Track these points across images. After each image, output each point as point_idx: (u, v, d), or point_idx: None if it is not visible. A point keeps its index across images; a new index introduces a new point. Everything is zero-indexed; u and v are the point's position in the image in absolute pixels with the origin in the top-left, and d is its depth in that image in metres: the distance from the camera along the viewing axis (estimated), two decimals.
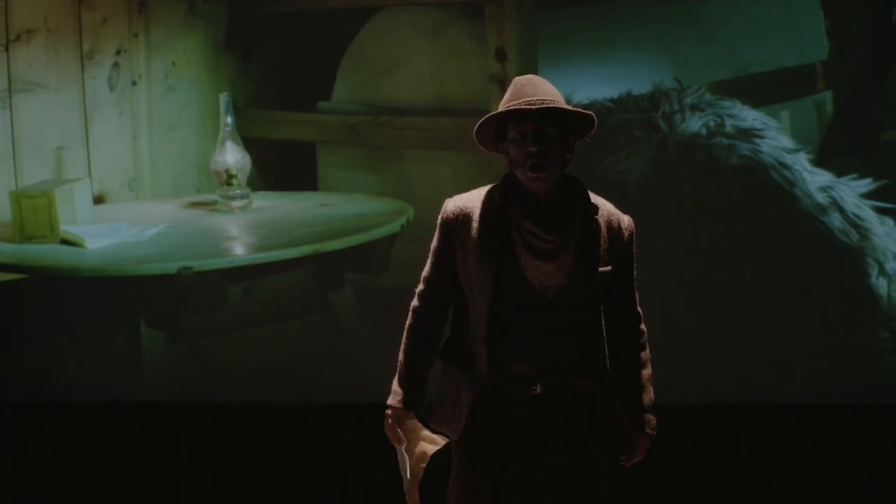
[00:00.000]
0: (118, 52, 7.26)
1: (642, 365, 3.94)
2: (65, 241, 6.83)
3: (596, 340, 3.78)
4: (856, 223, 6.53)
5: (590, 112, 3.79)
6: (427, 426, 3.92)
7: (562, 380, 3.78)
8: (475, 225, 3.78)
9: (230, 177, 7.04)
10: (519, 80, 3.78)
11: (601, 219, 3.80)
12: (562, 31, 6.86)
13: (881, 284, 6.50)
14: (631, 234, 3.86)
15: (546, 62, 6.78)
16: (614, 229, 3.82)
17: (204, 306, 6.80)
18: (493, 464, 3.82)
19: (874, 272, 6.51)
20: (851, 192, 6.57)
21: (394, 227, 6.75)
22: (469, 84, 6.86)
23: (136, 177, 7.34)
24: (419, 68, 7.06)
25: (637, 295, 3.95)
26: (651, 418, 3.91)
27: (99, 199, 7.27)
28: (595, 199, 3.83)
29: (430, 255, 3.88)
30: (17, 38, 7.09)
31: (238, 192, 7.07)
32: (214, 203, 7.15)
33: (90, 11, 7.20)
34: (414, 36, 7.12)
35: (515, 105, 3.70)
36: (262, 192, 7.27)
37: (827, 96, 6.86)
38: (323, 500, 6.23)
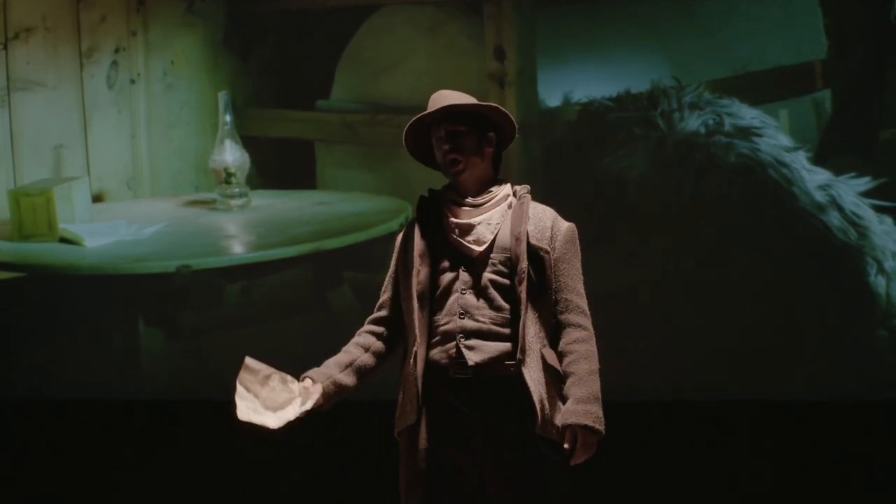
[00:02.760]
0: (117, 51, 7.26)
1: (580, 358, 3.92)
2: (63, 240, 6.83)
3: (508, 300, 3.88)
4: (854, 221, 6.52)
5: (490, 104, 4.00)
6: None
7: (491, 358, 3.87)
8: (413, 235, 4.01)
9: (229, 175, 7.04)
10: (432, 97, 4.03)
11: (530, 209, 3.98)
12: (560, 30, 6.87)
13: (880, 283, 6.50)
14: (570, 236, 4.01)
15: (544, 61, 6.79)
16: (548, 222, 3.99)
17: (202, 305, 6.80)
18: (431, 444, 3.91)
19: (873, 270, 6.50)
20: (850, 191, 6.57)
21: (392, 225, 6.75)
22: (467, 82, 6.84)
23: (134, 175, 7.34)
24: (417, 67, 7.06)
25: (582, 291, 4.00)
26: (590, 410, 3.85)
27: (97, 198, 7.27)
28: (537, 204, 4.03)
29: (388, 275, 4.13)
30: (16, 37, 7.09)
31: (237, 190, 7.07)
32: (213, 201, 7.15)
33: (89, 10, 7.20)
34: (412, 34, 7.12)
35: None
36: (260, 191, 7.27)
37: (825, 95, 6.86)
38: (322, 498, 6.23)
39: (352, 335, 4.16)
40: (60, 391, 6.94)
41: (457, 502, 3.94)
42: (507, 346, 3.88)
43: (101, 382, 6.91)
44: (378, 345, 4.07)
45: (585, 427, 3.84)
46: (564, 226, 4.00)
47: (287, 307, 6.91)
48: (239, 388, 3.89)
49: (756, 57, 6.81)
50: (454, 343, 3.89)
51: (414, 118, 3.99)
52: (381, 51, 7.17)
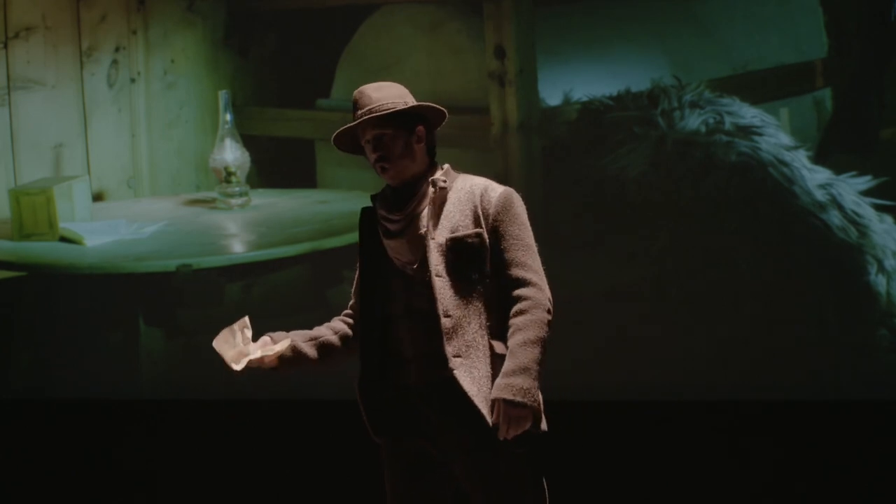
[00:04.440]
0: (117, 50, 7.27)
1: (516, 331, 3.78)
2: (63, 239, 6.83)
3: (435, 320, 3.80)
4: (855, 220, 6.52)
5: (408, 105, 3.86)
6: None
7: (435, 363, 3.83)
8: (361, 247, 3.96)
9: (229, 174, 7.04)
10: (354, 95, 3.92)
11: (455, 192, 3.88)
12: (560, 29, 6.86)
13: (880, 282, 6.49)
14: (502, 204, 3.85)
15: (544, 59, 6.78)
16: (476, 199, 3.86)
17: (202, 303, 6.79)
18: (399, 452, 3.91)
19: (873, 269, 6.50)
20: (850, 190, 6.56)
21: None
22: (467, 81, 6.86)
23: (134, 174, 7.34)
24: (417, 65, 7.06)
25: (526, 261, 3.84)
26: (512, 383, 3.72)
27: (97, 197, 7.27)
28: (463, 177, 3.93)
29: None
30: (16, 36, 7.10)
31: (237, 189, 7.07)
32: (213, 200, 7.15)
33: (89, 9, 7.21)
34: (412, 33, 7.12)
35: (352, 121, 3.87)
36: (260, 190, 7.27)
37: (826, 93, 6.86)
38: (320, 496, 6.23)
39: None
40: (60, 390, 6.95)
41: (438, 496, 3.94)
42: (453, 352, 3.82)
43: (101, 382, 6.91)
44: (347, 331, 4.00)
45: (505, 401, 3.72)
46: (496, 194, 3.86)
47: (287, 306, 6.90)
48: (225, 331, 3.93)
49: (756, 55, 6.81)
50: (404, 365, 3.85)
51: (338, 131, 3.88)
52: (381, 49, 7.17)
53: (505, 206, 3.84)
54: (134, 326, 6.90)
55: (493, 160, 6.65)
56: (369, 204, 3.98)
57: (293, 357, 3.96)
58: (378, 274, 3.90)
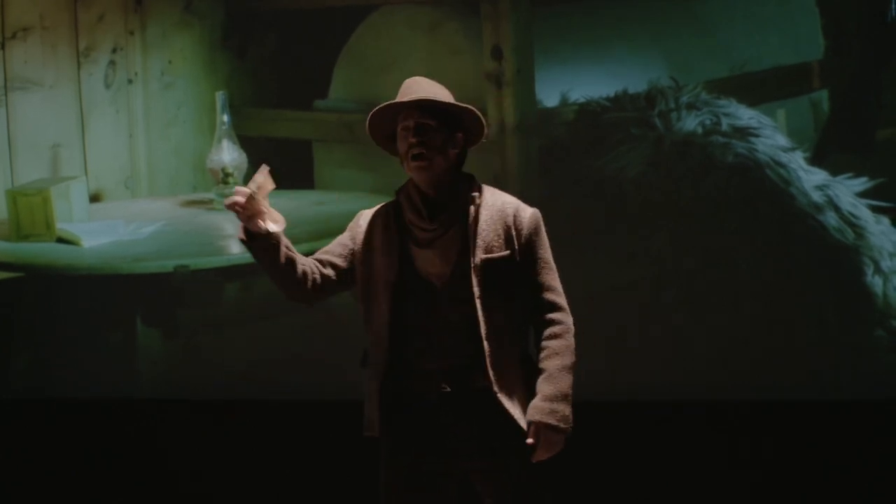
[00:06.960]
0: (114, 50, 7.26)
1: (553, 354, 3.86)
2: (61, 240, 6.81)
3: (478, 334, 3.82)
4: (851, 222, 6.53)
5: (467, 106, 3.89)
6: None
7: (464, 376, 3.84)
8: (379, 230, 3.95)
9: (226, 175, 7.04)
10: (406, 82, 3.93)
11: (487, 209, 3.89)
12: (558, 29, 6.87)
13: (877, 283, 6.50)
14: (534, 226, 3.91)
15: (542, 60, 6.79)
16: (509, 219, 3.89)
17: (200, 304, 6.79)
18: (406, 461, 3.90)
19: (870, 271, 6.51)
20: (847, 191, 6.57)
21: None
22: (465, 82, 6.85)
23: (132, 175, 7.34)
24: (415, 66, 7.04)
25: (555, 285, 3.93)
26: (556, 409, 3.81)
27: (95, 197, 7.26)
28: (493, 192, 3.94)
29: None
30: (13, 36, 7.09)
31: (234, 190, 7.05)
32: (210, 201, 7.14)
33: (86, 9, 7.20)
34: (410, 34, 7.12)
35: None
36: None
37: (823, 95, 6.88)
38: (320, 496, 6.23)
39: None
40: (60, 390, 6.94)
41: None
42: (482, 368, 3.83)
43: (99, 382, 6.90)
44: (307, 271, 3.97)
45: (549, 426, 3.81)
46: (527, 215, 3.91)
47: (284, 306, 6.86)
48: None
49: (753, 57, 6.82)
50: (425, 377, 3.86)
51: (384, 104, 3.88)
52: (378, 50, 7.17)
53: (536, 229, 3.90)
54: (132, 327, 6.88)
55: (491, 161, 6.64)
56: (376, 203, 3.98)
57: (271, 245, 3.95)
58: (407, 291, 3.87)
